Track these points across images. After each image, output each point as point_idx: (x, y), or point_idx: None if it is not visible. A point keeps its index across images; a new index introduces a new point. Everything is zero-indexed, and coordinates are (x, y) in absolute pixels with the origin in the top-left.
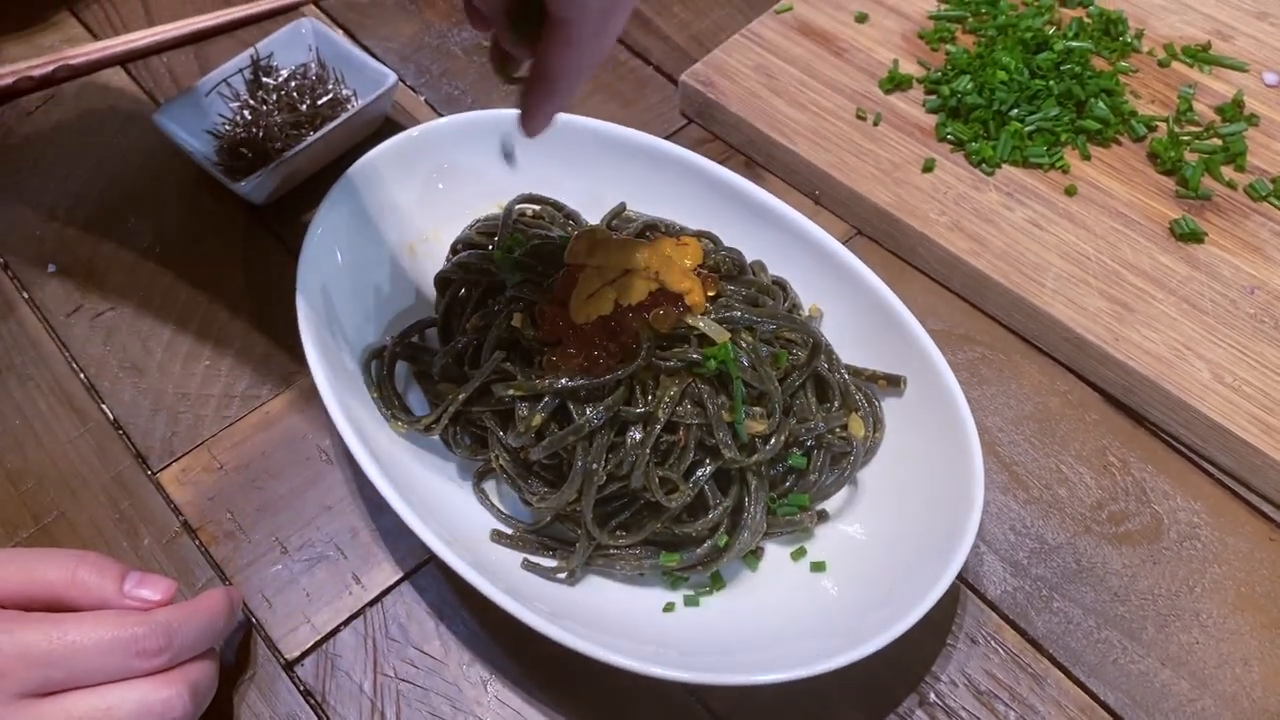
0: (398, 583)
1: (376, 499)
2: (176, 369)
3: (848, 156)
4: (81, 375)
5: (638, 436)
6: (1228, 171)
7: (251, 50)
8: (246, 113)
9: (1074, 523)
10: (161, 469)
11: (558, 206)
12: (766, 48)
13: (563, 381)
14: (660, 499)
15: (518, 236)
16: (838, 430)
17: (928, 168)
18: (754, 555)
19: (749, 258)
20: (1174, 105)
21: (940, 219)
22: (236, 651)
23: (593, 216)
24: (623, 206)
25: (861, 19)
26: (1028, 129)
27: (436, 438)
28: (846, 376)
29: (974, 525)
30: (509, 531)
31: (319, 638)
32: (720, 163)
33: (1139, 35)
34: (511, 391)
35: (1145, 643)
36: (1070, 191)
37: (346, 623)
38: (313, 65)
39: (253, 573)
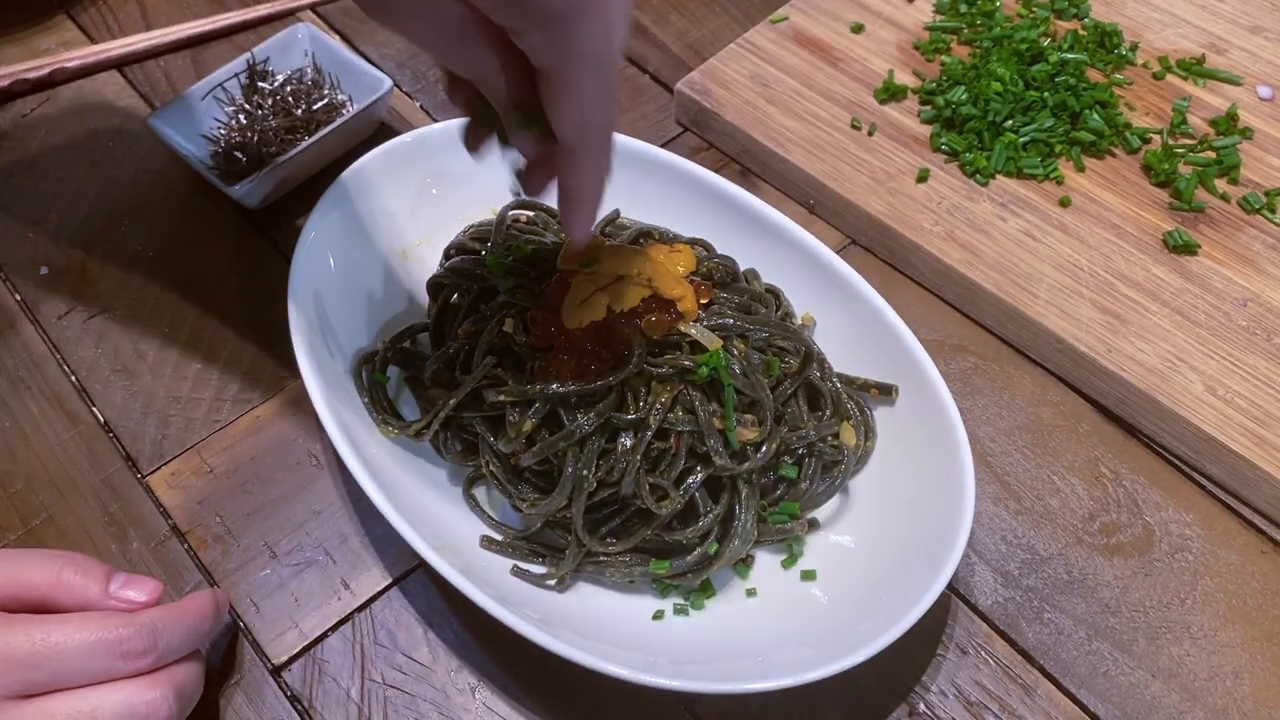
0: (387, 588)
1: (366, 504)
2: (168, 372)
3: (842, 166)
4: (73, 378)
5: (629, 443)
6: (1221, 184)
7: (248, 55)
8: (242, 117)
9: (1065, 534)
10: (151, 472)
11: (551, 213)
12: (762, 57)
13: (554, 387)
14: (651, 506)
15: (511, 242)
16: (829, 439)
17: (922, 178)
18: (744, 563)
19: (742, 266)
20: (1168, 118)
21: (934, 229)
22: (223, 655)
23: None
24: (616, 213)
25: (857, 29)
26: (1022, 140)
27: (427, 443)
28: (839, 385)
29: (964, 535)
30: (499, 538)
31: (307, 643)
32: (715, 171)
33: (1134, 48)
34: (502, 397)
35: (1136, 655)
36: (1064, 203)
37: (335, 628)
38: (308, 70)
39: (241, 577)
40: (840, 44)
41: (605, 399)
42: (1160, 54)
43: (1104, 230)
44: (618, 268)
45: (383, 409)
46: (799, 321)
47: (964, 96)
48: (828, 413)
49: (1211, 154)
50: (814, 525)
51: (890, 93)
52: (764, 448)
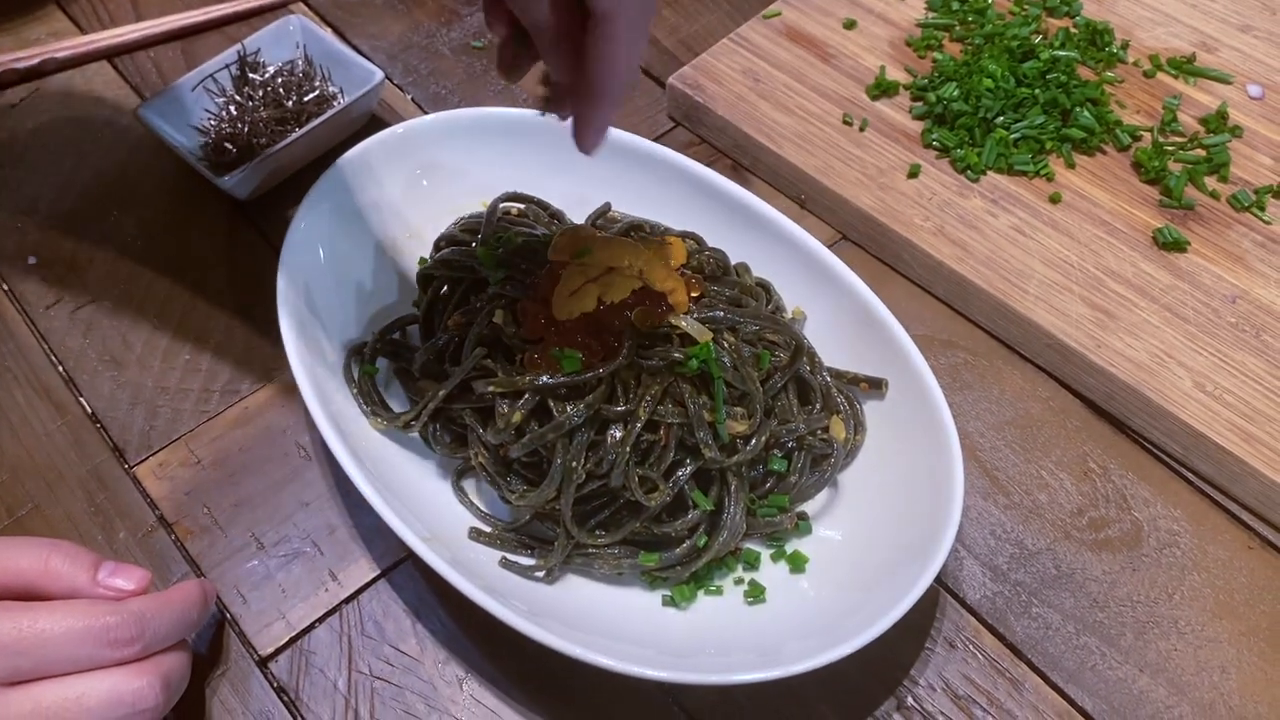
0: (374, 580)
1: (355, 496)
2: (156, 363)
3: (834, 161)
4: (60, 368)
5: (618, 435)
6: (1211, 182)
7: (239, 46)
8: (232, 108)
9: (1054, 529)
10: (138, 463)
11: (542, 205)
12: (755, 52)
13: (543, 379)
14: (640, 498)
15: (501, 234)
16: (819, 432)
17: (913, 173)
18: (733, 556)
19: (733, 260)
20: (1159, 116)
21: (925, 224)
22: (209, 647)
23: (578, 216)
24: (607, 206)
25: (850, 25)
26: (1013, 136)
27: (416, 435)
28: (829, 379)
29: (953, 529)
30: (487, 529)
31: (294, 634)
32: (707, 165)
33: (1125, 46)
34: (492, 388)
35: (1123, 649)
36: (1055, 199)
37: (322, 619)
38: (300, 62)
39: (228, 568)
40: (832, 40)
41: (595, 391)
42: (1151, 52)
43: (1094, 227)
44: (608, 260)
45: (372, 400)
46: (789, 315)
47: (955, 93)
48: (817, 406)
49: (1201, 152)
50: (803, 518)
51: (882, 89)
52: (753, 441)
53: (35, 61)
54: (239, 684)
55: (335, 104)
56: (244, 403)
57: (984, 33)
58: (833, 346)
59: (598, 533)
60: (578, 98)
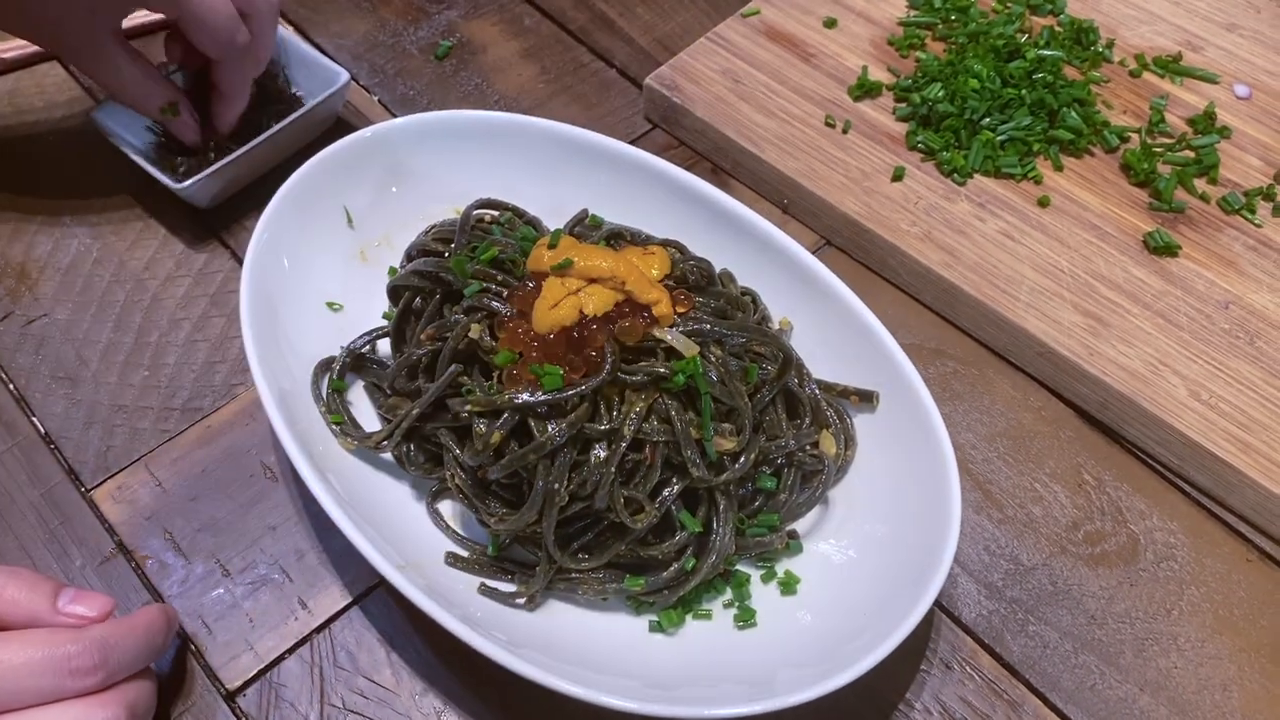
0: (347, 608)
1: (324, 519)
2: (113, 380)
3: (816, 164)
4: (10, 386)
5: (602, 454)
6: (1200, 184)
7: None
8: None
9: (1049, 543)
10: (95, 486)
11: (518, 213)
12: (733, 52)
13: (523, 396)
14: (625, 520)
15: (475, 243)
16: (808, 448)
17: (898, 177)
18: (722, 578)
19: (716, 267)
20: (1146, 116)
21: (911, 229)
22: (173, 680)
23: (554, 223)
24: (585, 213)
25: (830, 24)
26: (1000, 138)
27: (389, 455)
28: (817, 392)
29: (951, 549)
30: (465, 554)
31: (262, 666)
32: (686, 169)
33: (1110, 45)
34: (469, 408)
35: (1123, 668)
36: (1043, 203)
37: (292, 650)
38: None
39: (192, 596)
40: (813, 39)
41: (577, 408)
42: (1137, 51)
43: (1084, 231)
44: (590, 271)
45: (341, 419)
46: (776, 326)
47: (940, 94)
48: (806, 421)
49: (1190, 153)
50: (794, 537)
51: (864, 89)
52: (742, 458)
53: None
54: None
55: (299, 106)
56: (206, 421)
57: (967, 31)
58: (820, 357)
59: (581, 556)
60: (212, 100)
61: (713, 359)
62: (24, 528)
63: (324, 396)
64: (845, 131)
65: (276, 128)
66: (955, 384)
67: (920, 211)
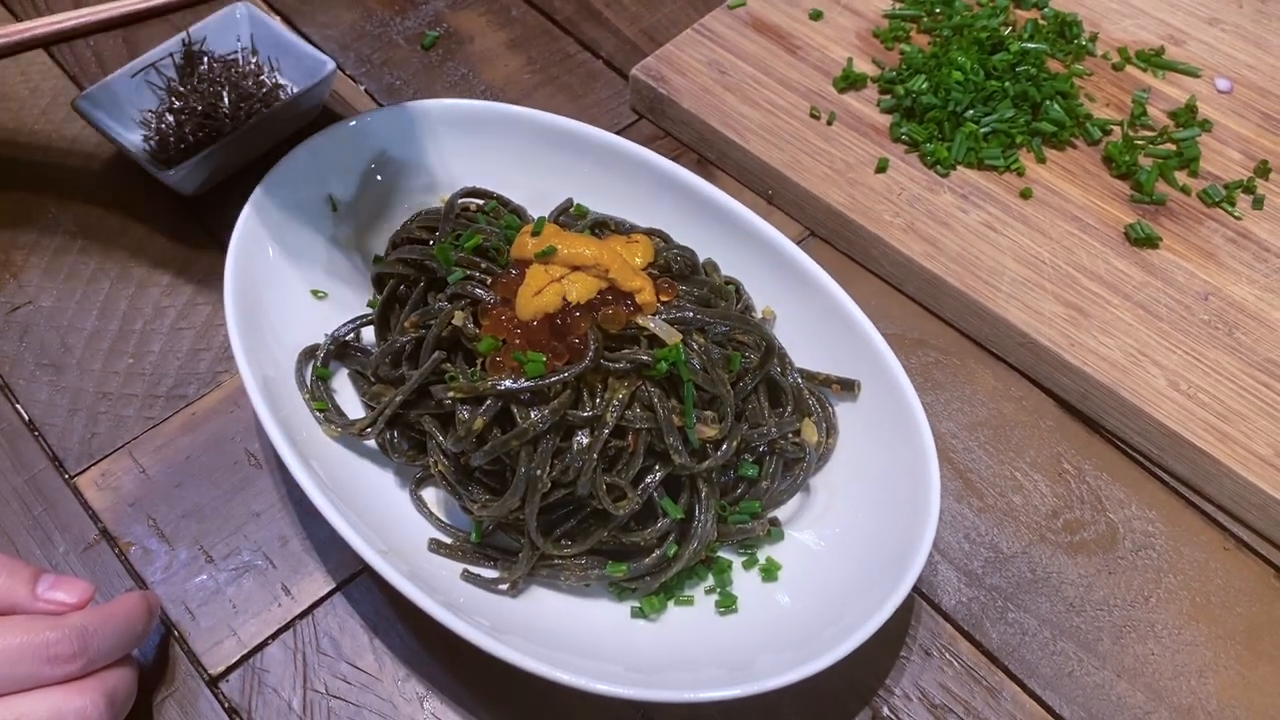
0: (330, 594)
1: (308, 506)
2: (97, 367)
3: (801, 156)
4: None
5: (585, 441)
6: (1181, 177)
7: (183, 34)
8: (176, 99)
9: (1029, 531)
10: (79, 473)
11: (503, 201)
12: (719, 43)
13: (506, 383)
14: (608, 507)
15: (460, 231)
16: (790, 436)
17: (881, 168)
18: (704, 565)
19: (700, 257)
20: (1128, 109)
21: (894, 220)
22: (156, 666)
23: (539, 212)
24: (569, 202)
25: (816, 16)
26: (983, 130)
27: (373, 442)
28: (800, 380)
29: (930, 536)
30: (448, 541)
31: (245, 652)
32: (672, 159)
33: (1093, 38)
34: (452, 394)
35: (1101, 654)
36: (1025, 194)
37: (275, 636)
38: (247, 51)
39: (176, 583)
40: (799, 31)
41: (560, 395)
42: (1119, 45)
43: (1065, 223)
44: (573, 258)
45: (325, 406)
46: (759, 315)
47: (924, 86)
48: (789, 409)
49: (1171, 146)
50: (775, 524)
51: (849, 81)
52: (724, 445)
53: None
54: (188, 705)
55: (285, 95)
56: (190, 408)
57: (952, 24)
58: (803, 346)
59: (564, 543)
60: None
61: (695, 347)
62: (7, 514)
63: (308, 384)
64: (830, 123)
65: (262, 116)
66: (937, 373)
67: (903, 203)
